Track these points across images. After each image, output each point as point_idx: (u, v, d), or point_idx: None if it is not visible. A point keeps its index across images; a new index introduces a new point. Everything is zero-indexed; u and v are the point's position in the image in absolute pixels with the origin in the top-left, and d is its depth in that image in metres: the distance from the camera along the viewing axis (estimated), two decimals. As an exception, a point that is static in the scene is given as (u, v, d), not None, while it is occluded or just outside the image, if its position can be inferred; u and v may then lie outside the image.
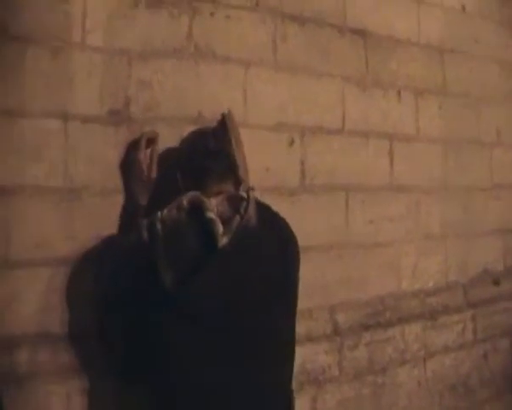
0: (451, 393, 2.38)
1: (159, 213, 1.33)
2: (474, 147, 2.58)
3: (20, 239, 1.50)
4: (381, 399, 2.14)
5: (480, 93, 2.62)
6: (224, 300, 1.31)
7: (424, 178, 2.36)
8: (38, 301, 1.52)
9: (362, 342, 2.09)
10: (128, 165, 1.63)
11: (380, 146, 2.22)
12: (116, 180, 1.64)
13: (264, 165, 1.89)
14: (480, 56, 2.64)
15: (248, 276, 1.35)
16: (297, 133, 1.99)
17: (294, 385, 1.51)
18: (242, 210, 1.34)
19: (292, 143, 1.97)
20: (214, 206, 1.34)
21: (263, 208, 1.47)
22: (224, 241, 1.29)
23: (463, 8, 2.59)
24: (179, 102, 1.74)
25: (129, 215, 1.61)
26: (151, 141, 1.64)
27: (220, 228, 1.29)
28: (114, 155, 1.65)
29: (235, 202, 1.37)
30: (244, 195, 1.39)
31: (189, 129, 1.69)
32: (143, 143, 1.61)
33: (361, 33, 2.21)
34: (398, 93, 2.30)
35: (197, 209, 1.32)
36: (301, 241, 1.53)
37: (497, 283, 2.61)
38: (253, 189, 1.65)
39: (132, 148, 1.64)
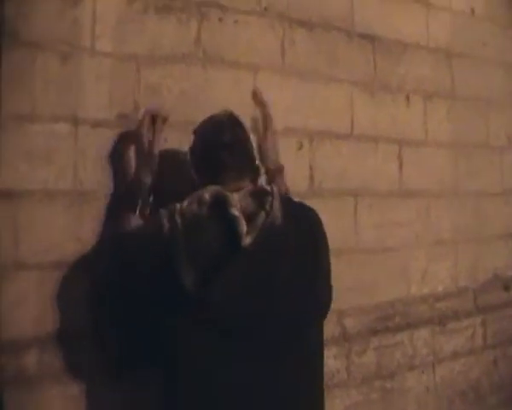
0: (461, 399, 2.37)
1: (178, 205, 1.28)
2: (483, 151, 2.57)
3: (29, 242, 1.51)
4: (390, 404, 2.12)
5: (488, 97, 2.61)
6: (248, 303, 1.24)
7: (433, 182, 2.35)
8: (45, 304, 1.52)
9: (370, 347, 2.09)
10: (131, 138, 1.62)
11: (388, 151, 2.22)
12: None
13: (273, 169, 1.88)
14: (488, 60, 2.62)
15: (274, 277, 1.27)
16: (306, 138, 1.99)
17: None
18: (268, 206, 1.28)
19: (301, 147, 1.98)
20: (237, 201, 1.27)
21: (288, 202, 1.39)
22: (248, 240, 1.23)
23: (472, 11, 2.58)
24: (188, 107, 1.75)
25: (130, 191, 1.53)
26: (156, 119, 1.57)
27: (244, 226, 1.23)
28: (123, 159, 1.65)
29: (260, 197, 1.30)
30: (268, 189, 1.33)
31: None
32: (146, 118, 1.55)
33: (369, 38, 2.21)
34: (407, 97, 2.30)
35: (220, 205, 1.26)
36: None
37: (507, 288, 2.60)
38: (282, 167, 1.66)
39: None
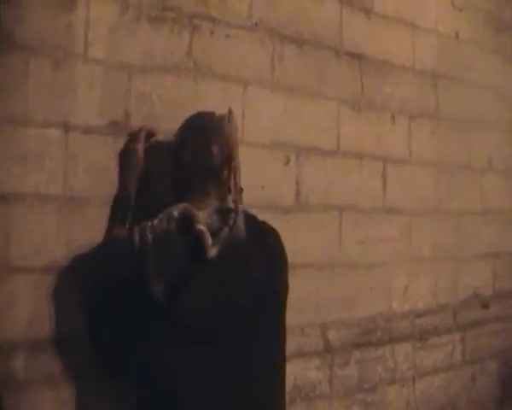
0: (440, 414, 2.40)
1: (149, 223, 1.36)
2: (465, 172, 2.63)
3: (19, 246, 1.51)
4: (371, 417, 2.15)
5: (471, 119, 2.68)
6: (213, 311, 1.33)
7: (416, 201, 2.39)
8: (34, 307, 1.52)
9: (352, 360, 2.11)
10: (125, 155, 1.65)
11: (373, 168, 2.26)
12: (114, 190, 1.65)
13: (260, 182, 1.91)
14: (472, 83, 2.70)
15: (237, 287, 1.37)
16: (292, 152, 2.02)
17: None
18: (231, 222, 1.37)
19: (287, 162, 2.00)
20: (203, 218, 1.37)
21: (251, 220, 1.49)
22: (213, 252, 1.32)
23: (457, 35, 2.65)
24: (178, 117, 1.75)
25: (120, 205, 1.62)
26: (150, 136, 1.68)
27: (209, 240, 1.32)
28: (113, 166, 1.66)
29: (224, 215, 1.40)
30: (232, 207, 1.42)
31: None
32: (142, 135, 1.64)
33: (357, 57, 2.26)
34: (392, 116, 2.34)
35: (187, 221, 1.35)
36: (295, 258, 1.57)
37: (486, 306, 2.65)
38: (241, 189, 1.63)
39: (131, 139, 1.66)
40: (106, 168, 1.65)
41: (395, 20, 2.42)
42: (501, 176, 2.83)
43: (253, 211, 1.69)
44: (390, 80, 2.35)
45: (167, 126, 1.72)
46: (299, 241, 1.96)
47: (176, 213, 1.37)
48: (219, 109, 1.81)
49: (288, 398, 1.58)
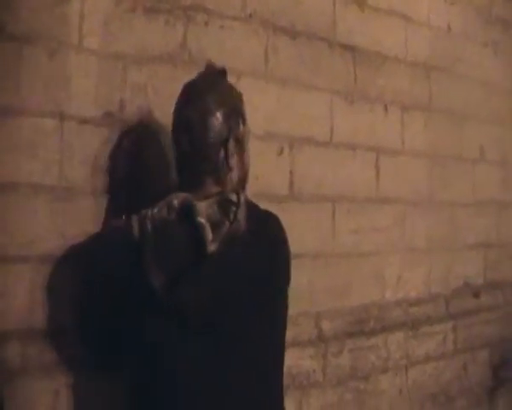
0: (432, 401, 2.42)
1: (149, 211, 1.33)
2: (457, 163, 2.66)
3: (13, 235, 1.51)
4: (364, 405, 2.17)
5: (463, 111, 2.70)
6: (212, 303, 1.31)
7: (409, 191, 2.42)
8: (29, 297, 1.52)
9: (346, 349, 2.13)
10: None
11: (366, 159, 2.28)
12: (108, 181, 1.66)
13: (254, 173, 1.87)
14: (464, 75, 2.72)
15: (237, 279, 1.35)
16: (286, 143, 2.03)
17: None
18: (232, 216, 1.34)
19: (281, 152, 2.01)
20: (204, 210, 1.33)
21: (253, 209, 1.44)
22: (212, 248, 1.30)
23: (449, 28, 2.67)
24: (172, 107, 1.77)
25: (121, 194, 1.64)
26: None
27: (209, 234, 1.30)
28: (108, 157, 1.66)
29: (225, 207, 1.36)
30: (234, 199, 1.37)
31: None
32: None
33: (350, 48, 2.27)
34: (385, 108, 2.36)
35: (187, 212, 1.32)
36: (289, 248, 1.56)
37: (477, 295, 2.68)
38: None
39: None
40: (101, 159, 1.65)
41: (388, 12, 2.44)
42: (493, 167, 2.86)
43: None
44: (383, 72, 2.37)
45: (162, 118, 1.72)
46: (293, 231, 1.91)
47: (176, 203, 1.33)
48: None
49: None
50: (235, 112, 1.49)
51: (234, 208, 1.36)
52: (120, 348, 1.39)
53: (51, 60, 1.59)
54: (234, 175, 1.47)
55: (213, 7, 1.91)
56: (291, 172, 2.03)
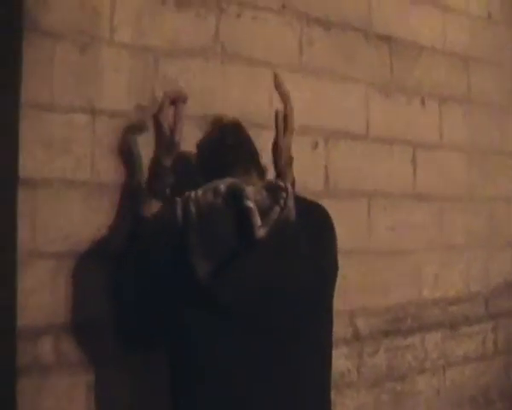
0: (470, 404, 2.35)
1: (192, 194, 1.27)
2: (498, 157, 2.56)
3: (46, 231, 1.51)
4: (400, 406, 2.11)
5: (504, 102, 2.60)
6: (260, 295, 1.24)
7: (448, 186, 2.34)
8: (63, 292, 1.53)
9: (381, 349, 2.08)
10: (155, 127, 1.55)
11: (403, 153, 2.21)
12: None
13: (289, 167, 1.87)
14: (504, 65, 2.62)
15: (285, 270, 1.28)
16: (321, 137, 1.99)
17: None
18: (282, 202, 1.26)
19: (316, 146, 1.97)
20: (252, 194, 1.26)
21: (300, 198, 1.39)
22: (261, 233, 1.21)
23: (489, 15, 2.58)
24: (205, 101, 1.74)
25: (153, 175, 1.51)
26: (177, 100, 1.52)
27: (258, 219, 1.22)
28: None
29: (275, 192, 1.29)
30: (283, 185, 1.31)
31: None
32: (166, 102, 1.50)
33: (386, 39, 2.21)
34: (422, 100, 2.29)
35: (235, 196, 1.25)
36: (324, 245, 1.52)
37: (517, 294, 2.59)
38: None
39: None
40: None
41: (425, 0, 2.36)
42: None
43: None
44: (420, 63, 2.30)
45: (195, 111, 1.70)
46: (328, 227, 1.92)
47: (223, 187, 1.26)
48: (246, 93, 1.82)
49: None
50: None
51: (284, 194, 1.28)
52: (159, 334, 1.35)
53: (83, 54, 1.59)
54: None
55: (246, -2, 1.87)
56: (326, 167, 1.99)
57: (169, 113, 1.50)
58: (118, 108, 1.63)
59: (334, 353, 1.91)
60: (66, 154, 1.55)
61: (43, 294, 1.51)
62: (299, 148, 1.90)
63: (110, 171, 1.61)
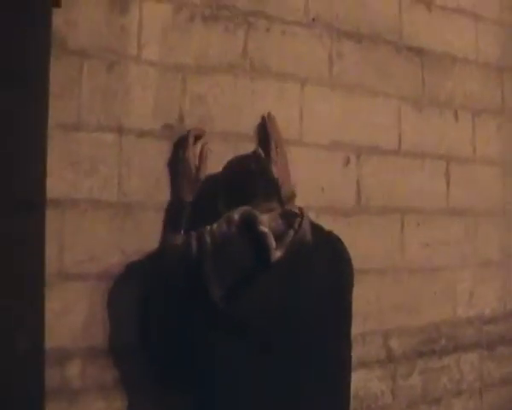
0: (509, 427, 2.28)
1: (208, 227, 1.31)
2: (534, 170, 2.49)
3: (73, 252, 1.50)
4: (435, 430, 2.05)
5: (540, 114, 2.53)
6: (276, 315, 1.27)
7: (482, 201, 2.27)
8: (89, 315, 1.51)
9: (416, 370, 2.02)
10: (176, 163, 1.61)
11: (436, 167, 2.15)
12: (168, 195, 1.62)
13: (320, 184, 1.84)
14: (541, 76, 2.55)
15: (302, 292, 1.30)
16: (352, 153, 1.94)
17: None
18: (296, 225, 1.30)
19: (347, 162, 1.93)
20: (266, 221, 1.30)
21: (316, 225, 1.42)
22: (277, 255, 1.25)
23: (524, 25, 2.51)
24: (234, 118, 1.72)
25: (174, 212, 1.59)
26: (198, 138, 1.62)
27: (273, 241, 1.26)
28: (168, 170, 1.63)
29: (289, 218, 1.33)
30: (297, 210, 1.35)
31: (243, 146, 1.68)
32: (191, 140, 1.59)
33: (417, 51, 2.16)
34: (455, 113, 2.23)
35: (249, 224, 1.29)
36: (356, 263, 1.49)
37: (557, 312, 2.51)
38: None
39: (180, 145, 1.62)
40: (160, 172, 1.62)
41: (457, 11, 2.30)
42: None
43: (313, 213, 1.66)
44: (453, 75, 2.24)
45: (223, 128, 1.68)
46: (361, 245, 1.87)
47: (236, 216, 1.31)
48: (276, 109, 1.78)
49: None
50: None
51: (298, 219, 1.32)
52: (183, 361, 1.35)
53: (110, 72, 1.58)
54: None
55: (275, 12, 1.85)
56: (358, 183, 1.94)
57: (195, 150, 1.57)
58: (145, 126, 1.61)
59: (368, 375, 1.89)
60: (93, 174, 1.54)
61: (70, 316, 1.50)
62: (330, 164, 1.89)
63: (137, 191, 1.59)
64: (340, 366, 1.39)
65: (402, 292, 2.01)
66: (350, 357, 1.42)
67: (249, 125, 1.74)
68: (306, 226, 1.32)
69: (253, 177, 1.47)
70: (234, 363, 1.26)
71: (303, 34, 1.89)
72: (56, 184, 1.49)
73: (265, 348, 1.26)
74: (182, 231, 1.52)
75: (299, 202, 1.63)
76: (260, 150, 1.59)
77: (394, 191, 2.03)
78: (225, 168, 1.57)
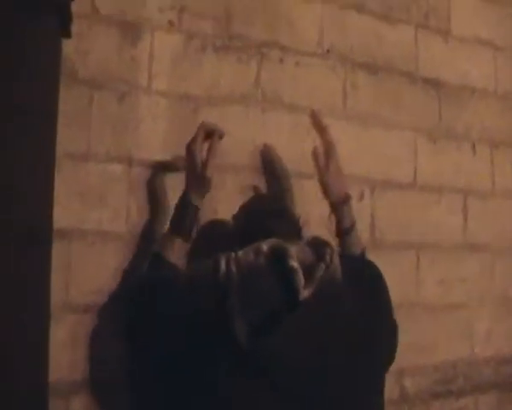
0: None
1: (233, 254, 1.19)
2: (554, 205, 2.43)
3: (79, 283, 1.49)
4: None
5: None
6: (301, 360, 1.16)
7: (500, 236, 2.20)
8: (97, 348, 1.49)
9: (431, 412, 1.95)
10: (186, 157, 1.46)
11: (453, 202, 2.10)
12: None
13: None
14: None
15: (330, 335, 1.19)
16: (367, 186, 1.90)
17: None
18: (328, 258, 1.19)
19: (362, 196, 1.89)
20: (295, 253, 1.18)
21: (346, 257, 1.34)
22: (306, 294, 1.13)
23: (543, 56, 2.47)
24: (246, 150, 1.69)
25: (177, 212, 1.43)
26: (211, 135, 1.44)
27: (302, 279, 1.13)
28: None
29: (319, 249, 1.22)
30: (327, 241, 1.26)
31: (256, 178, 1.65)
32: (200, 134, 1.42)
33: (434, 82, 2.12)
34: (473, 146, 2.18)
35: (278, 256, 1.17)
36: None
37: None
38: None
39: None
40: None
41: (474, 41, 2.27)
42: None
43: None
44: (470, 107, 2.20)
45: (235, 161, 1.65)
46: (374, 281, 1.83)
47: (265, 247, 1.19)
48: (288, 141, 1.75)
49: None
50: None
51: (329, 251, 1.21)
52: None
53: (120, 103, 1.58)
54: None
55: (288, 43, 1.83)
56: (372, 217, 1.90)
57: (203, 147, 1.42)
58: (155, 158, 1.59)
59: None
60: (102, 205, 1.52)
61: (75, 349, 1.48)
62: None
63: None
64: None
65: (416, 329, 1.95)
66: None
67: (260, 157, 1.71)
68: (337, 260, 1.21)
69: (271, 216, 1.39)
70: (254, 406, 1.16)
71: (317, 65, 1.87)
72: (65, 215, 1.48)
73: (288, 396, 1.15)
74: (185, 238, 1.41)
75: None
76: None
77: (409, 226, 1.98)
78: (241, 209, 1.49)
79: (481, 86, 2.25)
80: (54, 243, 1.42)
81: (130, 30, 1.60)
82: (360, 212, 1.86)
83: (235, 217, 1.49)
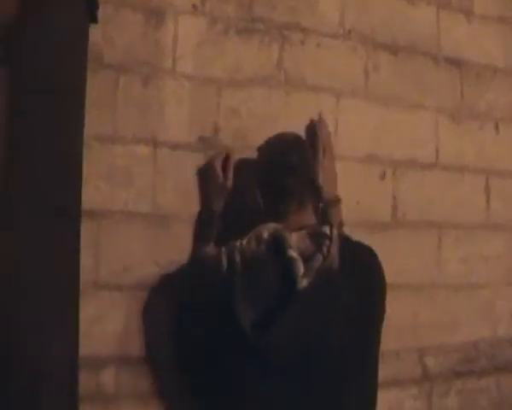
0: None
1: (237, 243, 1.30)
2: None
3: (108, 262, 1.53)
4: (473, 454, 1.99)
5: None
6: (301, 346, 1.24)
7: (524, 215, 2.20)
8: (123, 324, 1.54)
9: (453, 390, 1.95)
10: (204, 171, 1.62)
11: (475, 182, 2.10)
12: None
13: (355, 198, 1.81)
14: None
15: (327, 322, 1.27)
16: (389, 166, 1.91)
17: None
18: (325, 250, 1.27)
19: (383, 176, 1.89)
20: (295, 242, 1.28)
21: (345, 242, 1.36)
22: (303, 283, 1.23)
23: None
24: (269, 131, 1.69)
25: (203, 222, 1.59)
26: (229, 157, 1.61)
27: (301, 269, 1.23)
28: (202, 183, 1.64)
29: (318, 239, 1.29)
30: (327, 232, 1.30)
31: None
32: (219, 157, 1.60)
33: (456, 62, 2.11)
34: (496, 125, 2.17)
35: (278, 244, 1.27)
36: (391, 278, 1.45)
37: None
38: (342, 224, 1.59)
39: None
40: (194, 185, 1.64)
41: (498, 19, 2.24)
42: None
43: (347, 227, 1.64)
44: (493, 86, 2.18)
45: (258, 141, 1.66)
46: (397, 260, 1.84)
47: (266, 235, 1.29)
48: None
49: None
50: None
51: (327, 242, 1.29)
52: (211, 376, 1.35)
53: (145, 86, 1.61)
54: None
55: (310, 25, 1.84)
56: (394, 197, 1.91)
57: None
58: (179, 139, 1.63)
59: (403, 393, 1.85)
60: (129, 186, 1.56)
61: (105, 325, 1.53)
62: (366, 177, 1.86)
63: (171, 203, 1.61)
64: (365, 397, 1.35)
65: (439, 309, 1.96)
66: (375, 397, 1.37)
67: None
68: (334, 251, 1.28)
69: (294, 175, 1.42)
70: (256, 390, 1.25)
71: (338, 46, 1.88)
72: (93, 195, 1.52)
73: (289, 378, 1.24)
74: (211, 243, 1.52)
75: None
76: (301, 138, 1.58)
77: (432, 206, 1.98)
78: (264, 152, 1.54)
79: (504, 65, 2.23)
80: (83, 222, 1.46)
81: (155, 14, 1.63)
82: (382, 192, 1.89)
83: (259, 148, 1.56)
